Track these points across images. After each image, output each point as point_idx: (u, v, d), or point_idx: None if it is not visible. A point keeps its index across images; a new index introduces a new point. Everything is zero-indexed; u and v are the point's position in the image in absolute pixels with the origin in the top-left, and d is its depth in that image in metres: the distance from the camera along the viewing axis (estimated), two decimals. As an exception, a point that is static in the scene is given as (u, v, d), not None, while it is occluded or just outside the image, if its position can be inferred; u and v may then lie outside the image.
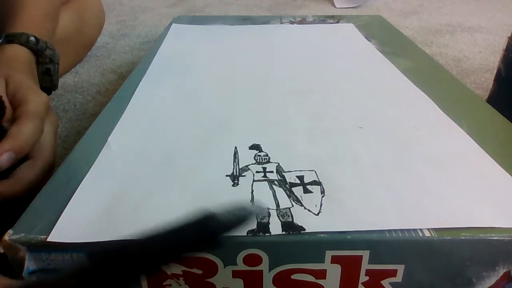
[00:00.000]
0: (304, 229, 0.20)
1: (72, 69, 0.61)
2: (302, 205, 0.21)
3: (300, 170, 0.24)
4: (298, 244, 0.20)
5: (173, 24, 0.56)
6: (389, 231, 0.20)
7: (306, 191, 0.23)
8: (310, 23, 0.57)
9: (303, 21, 0.58)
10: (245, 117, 0.31)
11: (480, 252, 0.20)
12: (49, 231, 0.20)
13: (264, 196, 0.22)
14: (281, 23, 0.57)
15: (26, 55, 0.35)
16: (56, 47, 0.39)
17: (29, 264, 0.20)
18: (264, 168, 0.25)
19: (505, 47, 0.40)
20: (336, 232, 0.20)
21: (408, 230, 0.20)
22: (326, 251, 0.20)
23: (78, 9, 0.58)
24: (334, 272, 0.21)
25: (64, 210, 0.21)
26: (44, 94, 0.29)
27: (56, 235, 0.20)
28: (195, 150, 0.27)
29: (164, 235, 0.14)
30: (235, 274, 0.21)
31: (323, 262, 0.20)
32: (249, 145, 0.27)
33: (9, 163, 0.24)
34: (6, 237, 0.20)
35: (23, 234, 0.20)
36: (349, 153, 0.26)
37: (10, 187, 0.24)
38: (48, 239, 0.20)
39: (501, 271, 0.20)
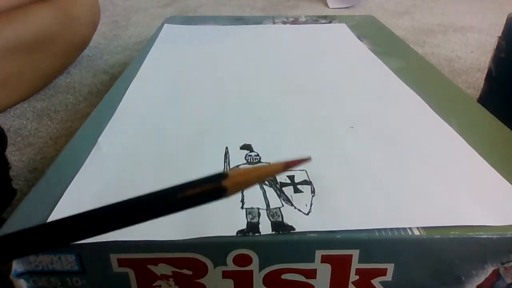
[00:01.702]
0: (294, 229, 0.20)
1: (64, 70, 0.60)
2: (292, 204, 0.21)
3: (291, 170, 0.24)
4: (288, 244, 0.20)
5: (165, 25, 0.55)
6: (379, 230, 0.20)
7: (296, 190, 0.23)
8: (303, 23, 0.57)
9: (295, 21, 0.58)
10: (236, 117, 0.31)
11: (469, 250, 0.20)
12: (37, 233, 0.20)
13: (254, 196, 0.22)
14: (274, 23, 0.57)
15: None
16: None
17: (17, 267, 0.20)
18: (255, 168, 0.25)
19: (495, 47, 0.41)
20: (326, 232, 0.20)
21: (397, 229, 0.20)
22: (316, 251, 0.20)
23: (65, 5, 0.54)
24: (324, 272, 0.21)
25: (53, 211, 0.21)
26: None
27: (44, 237, 0.20)
28: (186, 150, 0.26)
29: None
30: (225, 275, 0.20)
31: (313, 261, 0.20)
32: (240, 145, 0.27)
33: None
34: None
35: (10, 236, 0.20)
36: (340, 153, 0.26)
37: None
38: (36, 241, 0.19)
39: (490, 269, 0.20)
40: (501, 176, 0.24)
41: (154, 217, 0.13)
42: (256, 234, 0.20)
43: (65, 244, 0.14)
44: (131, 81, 0.37)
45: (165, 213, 0.13)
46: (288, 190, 0.23)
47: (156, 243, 0.19)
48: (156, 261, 0.20)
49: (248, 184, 0.13)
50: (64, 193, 0.23)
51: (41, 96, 0.53)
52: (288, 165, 0.13)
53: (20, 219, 0.21)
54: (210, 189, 0.13)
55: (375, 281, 0.21)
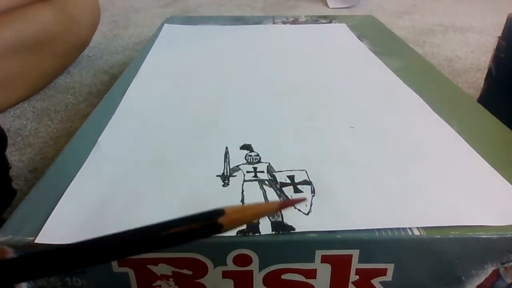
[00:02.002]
0: (294, 229, 0.20)
1: (64, 70, 0.60)
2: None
3: (291, 170, 0.24)
4: (288, 244, 0.20)
5: (165, 25, 0.55)
6: (379, 230, 0.20)
7: (296, 190, 0.23)
8: (303, 23, 0.57)
9: (295, 21, 0.58)
10: (236, 117, 0.31)
11: (469, 250, 0.20)
12: (37, 233, 0.20)
13: (254, 196, 0.22)
14: (274, 23, 0.57)
15: None
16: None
17: (17, 266, 0.20)
18: (255, 168, 0.25)
19: (495, 47, 0.41)
20: (326, 232, 0.20)
21: (397, 229, 0.20)
22: (316, 251, 0.20)
23: (65, 5, 0.54)
24: (324, 272, 0.21)
25: (53, 211, 0.21)
26: None
27: (44, 237, 0.20)
28: (186, 150, 0.26)
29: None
30: (225, 275, 0.20)
31: (313, 261, 0.20)
32: (240, 145, 0.27)
33: None
34: (-7, 239, 0.19)
35: (10, 236, 0.20)
36: (340, 153, 0.26)
37: None
38: (36, 241, 0.19)
39: (490, 269, 0.20)
40: (501, 176, 0.24)
41: (151, 250, 0.13)
42: (256, 234, 0.20)
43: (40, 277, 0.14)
44: (131, 81, 0.37)
45: (162, 247, 0.13)
46: (288, 190, 0.23)
47: (156, 243, 0.19)
48: (156, 261, 0.20)
49: (244, 221, 0.14)
50: (64, 193, 0.23)
51: (41, 96, 0.53)
52: (285, 205, 0.14)
53: (20, 219, 0.21)
54: (207, 225, 0.13)
55: (375, 281, 0.21)
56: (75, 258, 0.13)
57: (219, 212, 0.13)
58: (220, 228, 0.13)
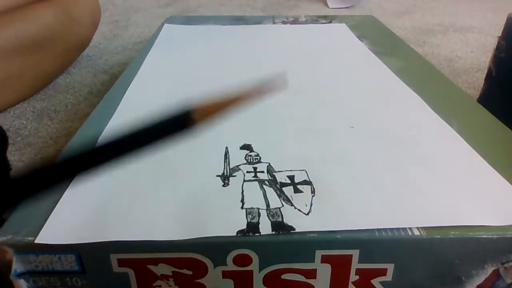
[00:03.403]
0: (294, 229, 0.20)
1: (64, 70, 0.60)
2: (292, 204, 0.21)
3: (291, 170, 0.24)
4: (288, 244, 0.20)
5: (165, 25, 0.55)
6: (379, 230, 0.20)
7: (296, 190, 0.23)
8: (303, 23, 0.57)
9: (295, 21, 0.58)
10: (236, 117, 0.31)
11: (469, 250, 0.20)
12: (37, 233, 0.20)
13: (254, 196, 0.22)
14: (274, 23, 0.57)
15: None
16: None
17: (17, 267, 0.20)
18: (255, 168, 0.25)
19: (495, 47, 0.41)
20: (326, 232, 0.20)
21: (397, 229, 0.20)
22: (316, 251, 0.20)
23: (65, 5, 0.54)
24: (324, 272, 0.21)
25: (53, 211, 0.21)
26: None
27: (44, 237, 0.20)
28: (186, 150, 0.26)
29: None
30: (225, 275, 0.20)
31: (313, 261, 0.20)
32: (240, 145, 0.27)
33: None
34: (-7, 239, 0.19)
35: (10, 236, 0.20)
36: (340, 153, 0.26)
37: None
38: (36, 241, 0.19)
39: (490, 269, 0.20)
40: (501, 176, 0.24)
41: (132, 150, 0.14)
42: (256, 234, 0.20)
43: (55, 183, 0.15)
44: (131, 81, 0.37)
45: (142, 145, 0.14)
46: (288, 190, 0.23)
47: (156, 243, 0.19)
48: (156, 261, 0.20)
49: (215, 108, 0.14)
50: (64, 193, 0.23)
51: (41, 96, 0.53)
52: (260, 89, 0.14)
53: (20, 219, 0.21)
54: (179, 116, 0.15)
55: (375, 281, 0.21)
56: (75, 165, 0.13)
57: (190, 106, 0.14)
58: (193, 118, 0.14)
